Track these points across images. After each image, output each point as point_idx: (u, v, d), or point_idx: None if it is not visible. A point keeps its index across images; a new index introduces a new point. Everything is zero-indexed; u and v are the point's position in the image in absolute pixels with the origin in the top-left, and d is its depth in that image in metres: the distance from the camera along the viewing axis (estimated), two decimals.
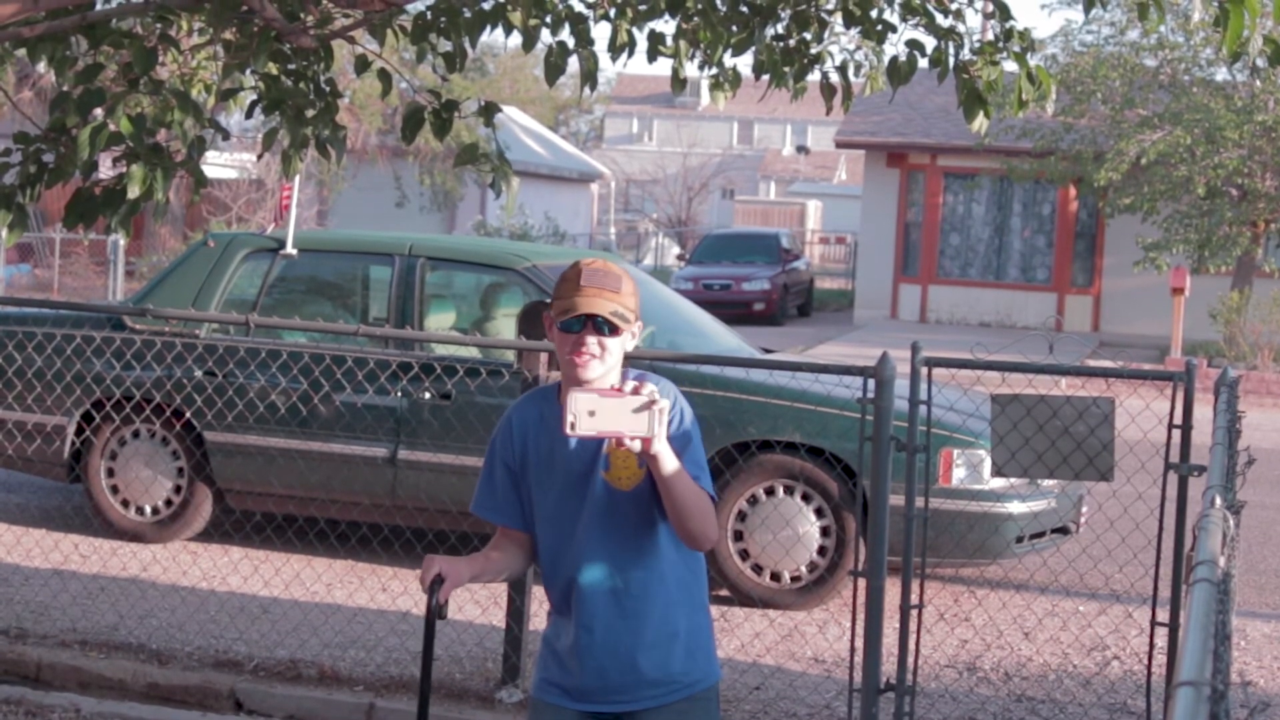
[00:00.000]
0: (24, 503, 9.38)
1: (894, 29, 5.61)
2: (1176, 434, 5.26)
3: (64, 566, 7.75)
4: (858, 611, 5.43)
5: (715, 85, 5.76)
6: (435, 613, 3.29)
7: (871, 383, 5.28)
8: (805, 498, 7.44)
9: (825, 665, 6.69)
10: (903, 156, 27.05)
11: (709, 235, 32.09)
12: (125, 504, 8.37)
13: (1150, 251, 21.64)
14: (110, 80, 5.31)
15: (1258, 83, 22.06)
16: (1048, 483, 7.44)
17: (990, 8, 5.67)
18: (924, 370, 5.43)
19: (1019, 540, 7.48)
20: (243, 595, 7.45)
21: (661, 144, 66.32)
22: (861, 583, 5.29)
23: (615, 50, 5.54)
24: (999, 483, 7.29)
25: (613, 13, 5.52)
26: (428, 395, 7.80)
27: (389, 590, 7.60)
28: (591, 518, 3.36)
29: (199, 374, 8.15)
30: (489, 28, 5.43)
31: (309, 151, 5.57)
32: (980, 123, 5.45)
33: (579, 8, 5.54)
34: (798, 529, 7.41)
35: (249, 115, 5.59)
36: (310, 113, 5.45)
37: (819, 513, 7.44)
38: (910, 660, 5.46)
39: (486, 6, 5.43)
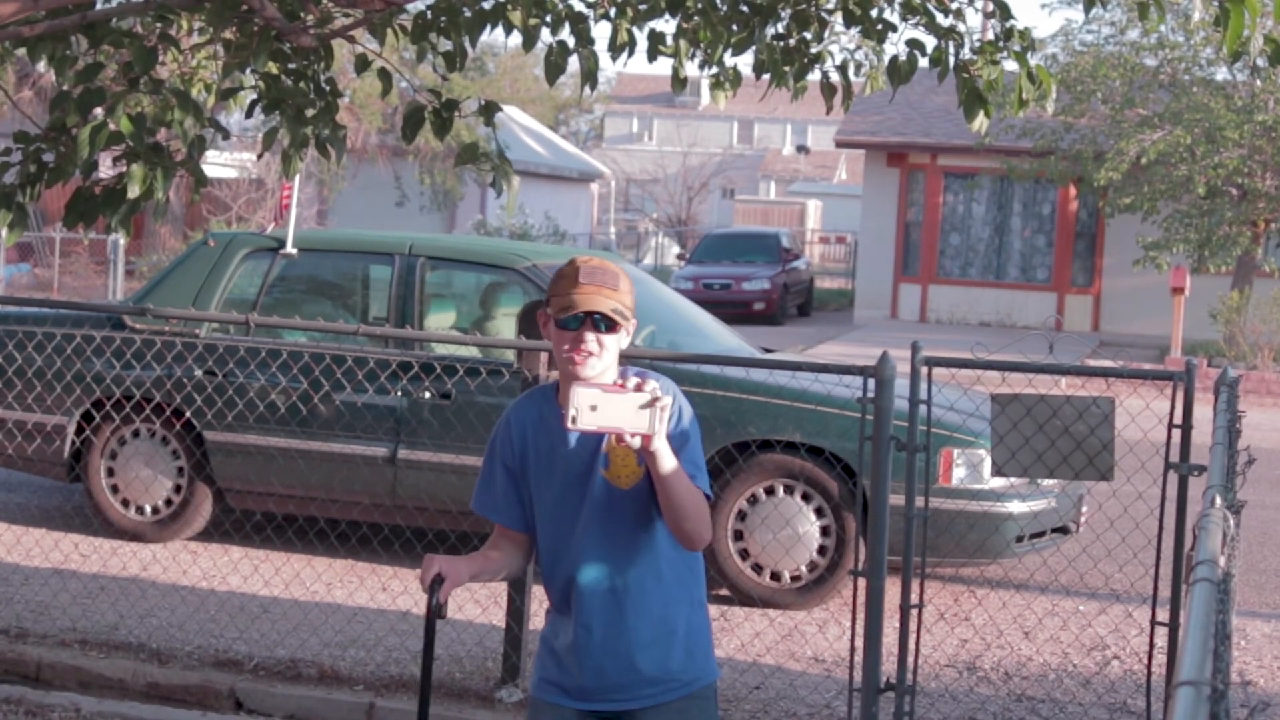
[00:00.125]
0: (24, 502, 9.38)
1: (894, 28, 5.61)
2: (1176, 434, 5.26)
3: (64, 566, 7.75)
4: (858, 611, 5.43)
5: (715, 85, 5.76)
6: (435, 612, 3.29)
7: (871, 382, 5.28)
8: (805, 497, 7.44)
9: (825, 665, 6.69)
10: (903, 156, 27.05)
11: (709, 235, 32.09)
12: (125, 503, 8.37)
13: (1150, 251, 21.65)
14: (110, 79, 5.31)
15: (1258, 82, 22.07)
16: (1048, 482, 7.44)
17: (991, 7, 5.67)
18: (924, 370, 5.43)
19: (1019, 540, 7.48)
20: (243, 595, 7.45)
21: (661, 143, 66.31)
22: (861, 582, 5.29)
23: (615, 50, 5.54)
24: (999, 482, 7.29)
25: (613, 12, 5.52)
26: (428, 395, 7.80)
27: (389, 590, 7.60)
28: (591, 516, 3.36)
29: (199, 373, 8.15)
30: (489, 27, 5.43)
31: (309, 151, 5.57)
32: (980, 122, 5.45)
33: (579, 7, 5.54)
34: (798, 528, 7.41)
35: (249, 115, 5.59)
36: (310, 112, 5.45)
37: (819, 512, 7.44)
38: (910, 660, 5.46)
39: (486, 6, 5.43)
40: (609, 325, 3.27)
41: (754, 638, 6.96)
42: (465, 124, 19.45)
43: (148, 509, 8.36)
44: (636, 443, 3.12)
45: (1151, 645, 5.47)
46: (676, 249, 40.23)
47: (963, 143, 25.26)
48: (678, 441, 3.24)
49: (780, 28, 5.69)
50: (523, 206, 31.81)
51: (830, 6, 5.66)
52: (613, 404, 3.09)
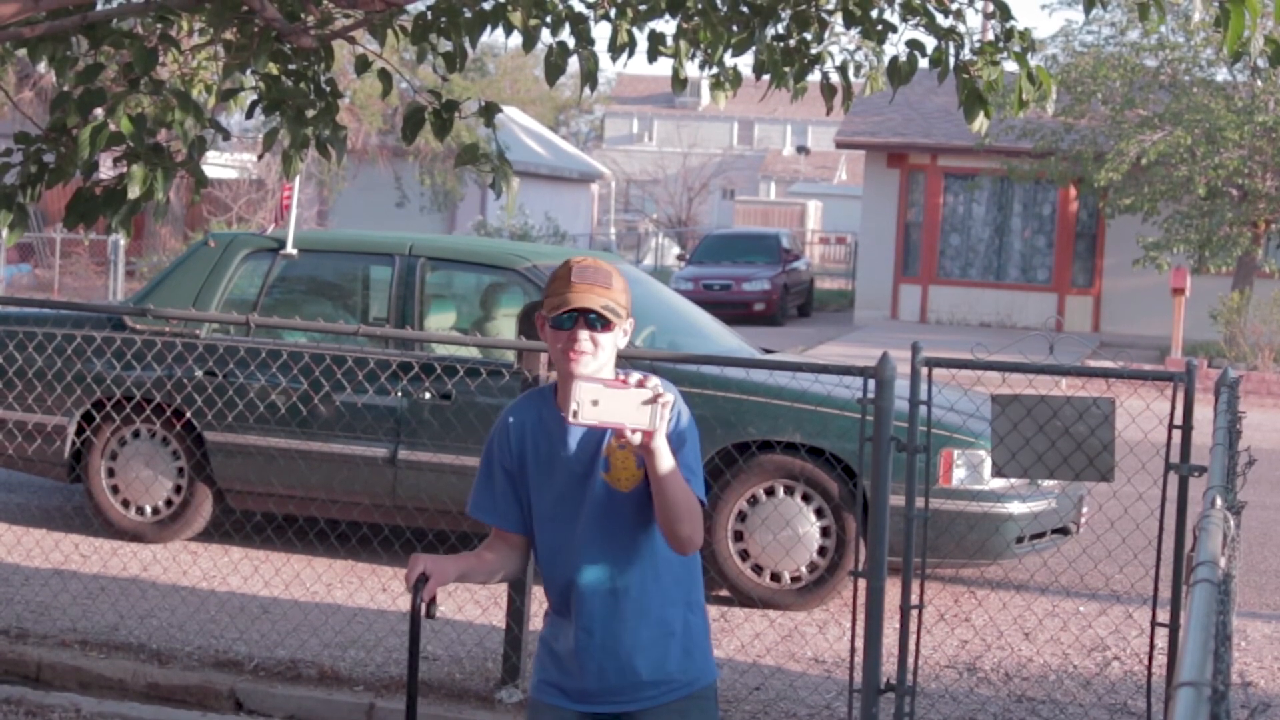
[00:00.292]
0: (24, 503, 9.38)
1: (894, 29, 5.61)
2: (1177, 434, 5.26)
3: (64, 566, 7.75)
4: (858, 612, 5.43)
5: (715, 85, 5.76)
6: (420, 611, 3.29)
7: (872, 383, 5.28)
8: (805, 498, 7.44)
9: (825, 666, 6.69)
10: (903, 157, 27.05)
11: (709, 235, 32.09)
12: (125, 504, 8.37)
13: (1151, 251, 21.65)
14: (111, 80, 5.31)
15: (1258, 83, 22.07)
16: (1048, 483, 7.44)
17: (991, 8, 5.67)
18: (924, 370, 5.43)
19: (1019, 541, 7.48)
20: (243, 595, 7.45)
21: (662, 144, 66.31)
22: (862, 583, 5.29)
23: (615, 50, 5.54)
24: (999, 483, 7.29)
25: (613, 13, 5.52)
26: (428, 395, 7.80)
27: (389, 590, 7.60)
28: (590, 519, 3.36)
29: (199, 374, 8.15)
30: (489, 28, 5.43)
31: (309, 151, 5.57)
32: (980, 123, 5.45)
33: (579, 8, 5.54)
34: (798, 529, 7.41)
35: (249, 115, 5.59)
36: (311, 113, 5.45)
37: (819, 513, 7.44)
38: (910, 661, 5.46)
39: (487, 6, 5.44)
40: (603, 323, 3.27)
41: (754, 638, 6.96)
42: (465, 125, 19.45)
43: (148, 509, 8.36)
44: (637, 439, 3.11)
45: (1152, 646, 5.47)
46: (676, 250, 40.23)
47: (963, 143, 25.26)
48: (675, 442, 3.24)
49: (780, 28, 5.69)
50: (523, 207, 31.82)
51: (830, 7, 5.66)
52: (614, 399, 3.09)
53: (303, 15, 5.33)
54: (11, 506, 9.24)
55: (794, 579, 7.48)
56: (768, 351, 9.13)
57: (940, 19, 5.52)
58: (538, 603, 6.11)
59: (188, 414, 8.18)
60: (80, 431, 8.39)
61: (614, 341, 3.31)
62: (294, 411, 7.99)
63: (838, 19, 5.67)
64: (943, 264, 26.97)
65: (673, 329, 8.46)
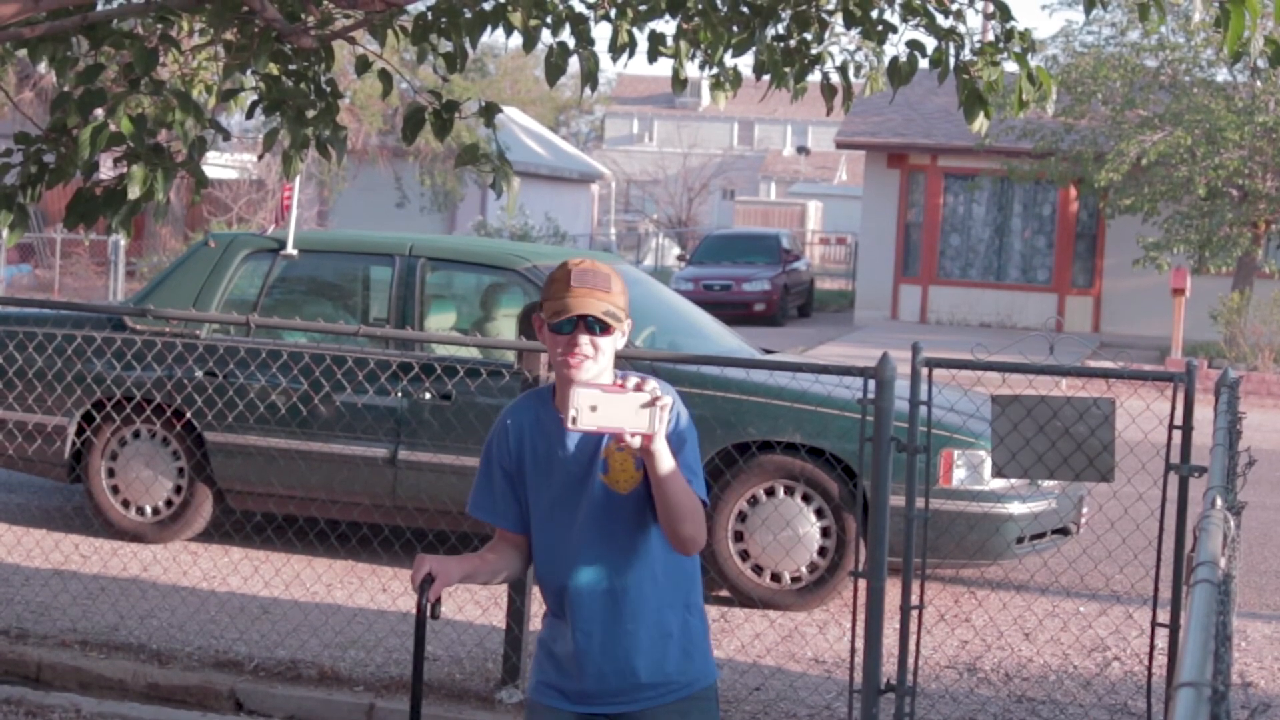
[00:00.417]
0: (24, 503, 9.38)
1: (894, 29, 5.61)
2: (1177, 435, 5.26)
3: (64, 567, 7.75)
4: (858, 612, 5.43)
5: (716, 85, 5.76)
6: (425, 612, 3.29)
7: (872, 383, 5.28)
8: (805, 498, 7.44)
9: (825, 666, 6.69)
10: (903, 157, 27.05)
11: (709, 236, 32.09)
12: (126, 504, 8.37)
13: (1151, 252, 21.65)
14: (111, 80, 5.31)
15: (1258, 83, 22.07)
16: (1048, 484, 7.44)
17: (991, 8, 5.67)
18: (924, 371, 5.43)
19: (1019, 541, 7.48)
20: (243, 595, 7.45)
21: (662, 144, 66.30)
22: (862, 583, 5.29)
23: (616, 50, 5.54)
24: (999, 483, 7.29)
25: (613, 13, 5.52)
26: (428, 396, 7.80)
27: (389, 590, 7.60)
28: (588, 520, 3.35)
29: (199, 374, 8.15)
30: (489, 28, 5.43)
31: (309, 152, 5.57)
32: (981, 123, 5.45)
33: (579, 8, 5.54)
34: (798, 530, 7.41)
35: (249, 116, 5.59)
36: (311, 113, 5.45)
37: (819, 513, 7.44)
38: (910, 661, 5.46)
39: (487, 7, 5.44)
40: (602, 328, 3.26)
41: (754, 639, 6.96)
42: (466, 125, 19.44)
43: (148, 510, 8.36)
44: (637, 442, 3.11)
45: (1152, 646, 5.47)
46: (677, 250, 40.22)
47: (963, 144, 25.27)
48: (675, 444, 3.23)
49: (780, 29, 5.69)
50: (523, 207, 31.81)
51: (830, 7, 5.66)
52: (613, 404, 3.09)
53: (303, 16, 5.33)
54: (11, 506, 9.24)
55: (794, 579, 7.48)
56: (768, 352, 9.13)
57: (940, 19, 5.52)
58: (538, 603, 6.08)
59: (188, 414, 8.18)
60: (80, 432, 8.39)
61: (613, 344, 3.31)
62: (294, 412, 7.99)
63: (838, 19, 5.67)
64: (943, 264, 26.97)
65: (673, 329, 8.46)
